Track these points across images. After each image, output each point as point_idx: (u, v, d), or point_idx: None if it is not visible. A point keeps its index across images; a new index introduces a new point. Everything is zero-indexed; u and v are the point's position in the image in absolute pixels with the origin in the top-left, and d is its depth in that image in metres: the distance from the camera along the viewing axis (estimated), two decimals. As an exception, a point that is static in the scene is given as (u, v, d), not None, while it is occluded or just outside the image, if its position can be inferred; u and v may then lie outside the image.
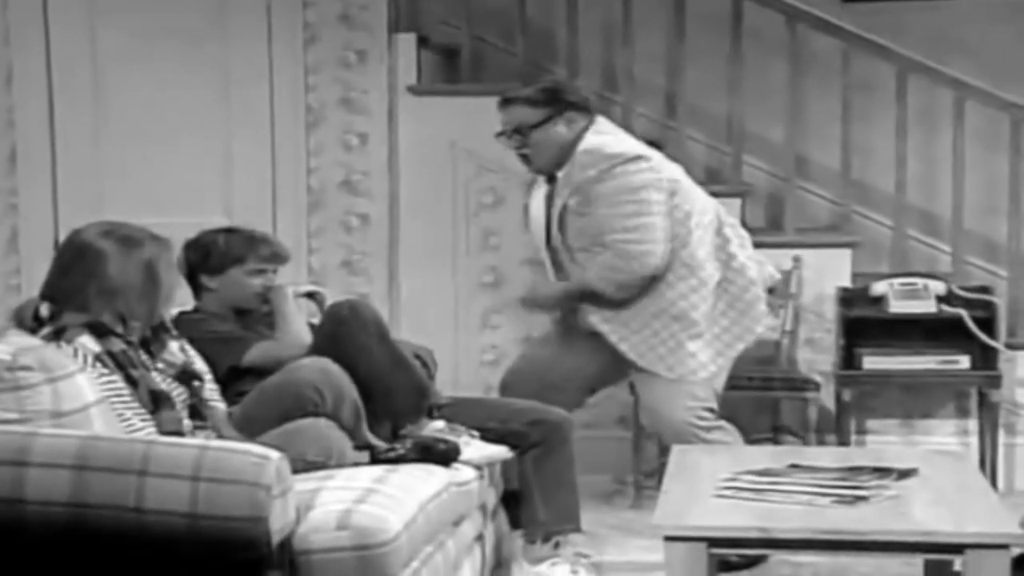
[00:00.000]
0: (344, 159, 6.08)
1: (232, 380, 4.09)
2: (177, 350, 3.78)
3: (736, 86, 6.04)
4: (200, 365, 3.85)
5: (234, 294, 4.39)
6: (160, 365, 3.67)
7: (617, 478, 5.79)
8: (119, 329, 3.57)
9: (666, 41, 6.14)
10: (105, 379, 3.42)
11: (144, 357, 3.63)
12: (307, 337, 4.25)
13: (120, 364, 3.50)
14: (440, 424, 4.06)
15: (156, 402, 3.53)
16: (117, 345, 3.53)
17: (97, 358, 3.45)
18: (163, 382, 3.61)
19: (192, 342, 3.96)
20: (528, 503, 4.39)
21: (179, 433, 3.53)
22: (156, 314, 3.69)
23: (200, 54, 6.03)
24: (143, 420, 3.45)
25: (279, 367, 4.13)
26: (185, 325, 4.12)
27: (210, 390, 3.84)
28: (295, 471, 3.10)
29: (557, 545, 4.31)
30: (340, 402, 3.77)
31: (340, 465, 3.52)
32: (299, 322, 4.36)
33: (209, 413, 3.72)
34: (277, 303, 4.41)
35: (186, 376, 3.71)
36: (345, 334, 4.09)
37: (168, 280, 3.70)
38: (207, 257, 4.38)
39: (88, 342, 3.47)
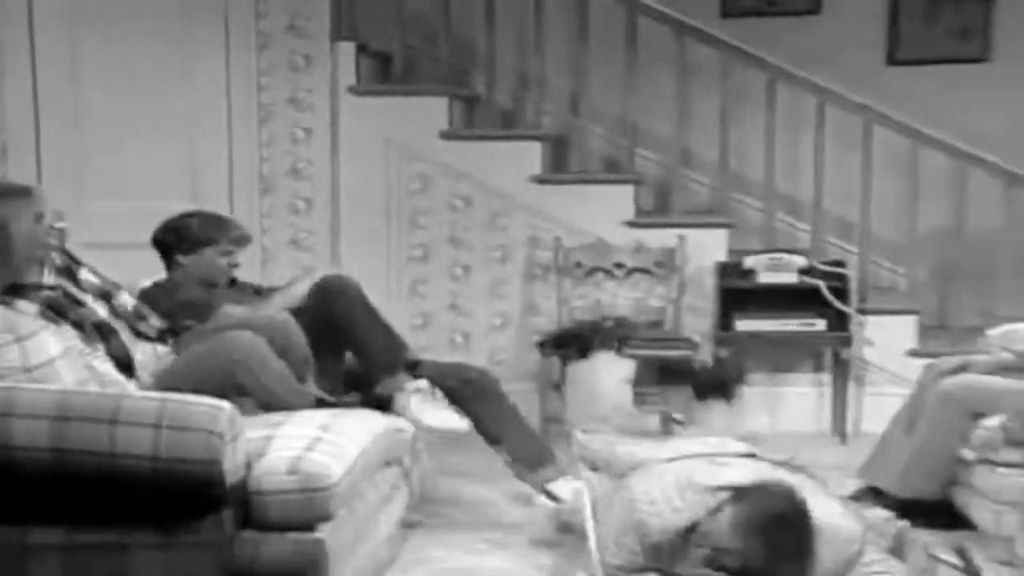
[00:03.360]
0: (292, 150, 6.05)
1: None
2: (89, 274, 3.68)
3: (631, 89, 6.05)
4: (120, 284, 3.80)
5: (204, 271, 4.32)
6: (84, 287, 3.59)
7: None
8: (35, 280, 3.45)
9: (572, 49, 6.14)
10: (61, 329, 3.33)
11: (72, 289, 3.53)
12: (283, 314, 4.12)
13: (59, 312, 3.41)
14: (423, 384, 4.05)
15: (102, 333, 3.47)
16: (45, 295, 3.42)
17: (40, 314, 3.35)
18: (96, 304, 3.53)
19: (162, 308, 3.93)
20: (501, 448, 4.31)
21: (128, 356, 3.49)
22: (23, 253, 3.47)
23: (167, 58, 5.98)
24: (97, 359, 3.40)
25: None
26: (156, 294, 4.10)
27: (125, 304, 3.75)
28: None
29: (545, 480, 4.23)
30: (289, 352, 3.68)
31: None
32: (291, 302, 4.22)
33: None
34: (296, 282, 4.33)
35: (105, 295, 3.63)
36: (333, 300, 4.09)
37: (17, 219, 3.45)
38: (181, 239, 4.31)
39: (23, 304, 3.36)
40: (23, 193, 3.55)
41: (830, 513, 3.23)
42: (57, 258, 3.62)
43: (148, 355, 3.68)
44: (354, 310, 4.08)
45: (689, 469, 3.39)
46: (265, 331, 3.67)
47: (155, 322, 3.82)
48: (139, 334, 3.66)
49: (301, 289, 4.25)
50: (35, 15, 6.00)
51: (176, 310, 3.98)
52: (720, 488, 3.20)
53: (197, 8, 5.98)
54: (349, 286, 4.15)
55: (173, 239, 4.34)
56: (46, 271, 3.57)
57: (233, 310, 4.18)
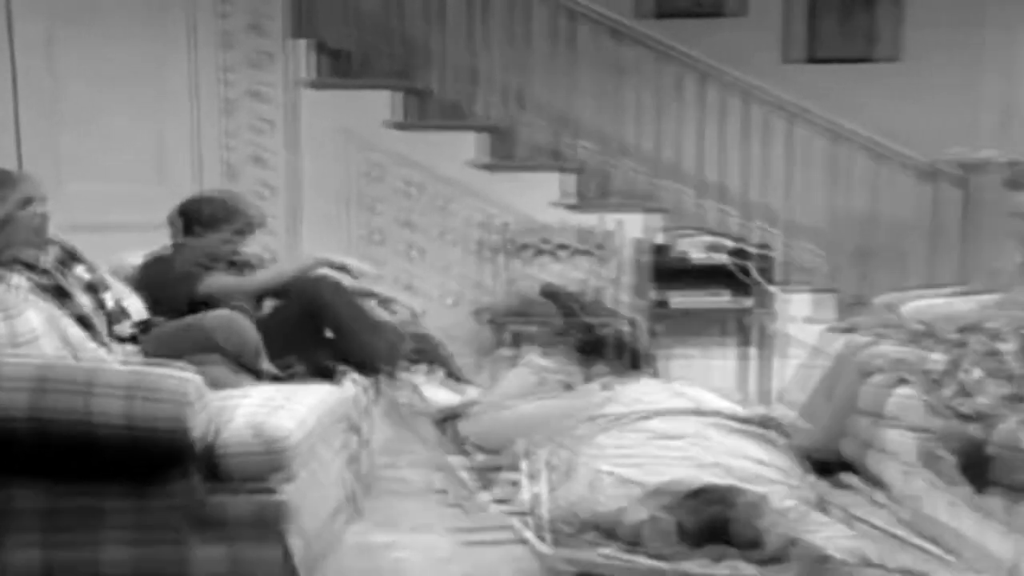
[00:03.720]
0: (255, 140, 6.05)
1: (192, 311, 4.07)
2: (84, 271, 3.68)
3: (571, 84, 6.11)
4: (111, 283, 3.79)
5: (204, 251, 4.32)
6: (73, 279, 3.59)
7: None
8: (34, 261, 3.45)
9: (515, 47, 6.17)
10: (48, 307, 3.32)
11: (63, 282, 3.52)
12: (234, 313, 4.05)
13: (50, 293, 3.43)
14: (423, 368, 4.05)
15: (83, 325, 3.47)
16: (37, 279, 3.42)
17: (31, 290, 3.35)
18: (82, 296, 3.53)
19: (155, 280, 3.98)
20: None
21: (104, 344, 3.51)
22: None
23: (138, 55, 5.97)
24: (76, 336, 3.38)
25: (230, 299, 4.12)
26: (153, 265, 4.13)
27: (114, 300, 3.75)
28: None
29: None
30: (242, 345, 3.72)
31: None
32: (276, 280, 4.27)
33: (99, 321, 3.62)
34: (304, 262, 4.37)
35: (93, 288, 3.64)
36: (320, 299, 4.11)
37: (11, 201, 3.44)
38: (192, 220, 4.33)
39: (17, 278, 3.36)
40: (9, 178, 3.53)
41: (781, 482, 3.32)
42: (51, 251, 3.61)
43: (118, 355, 3.69)
44: (345, 313, 4.10)
45: (657, 456, 3.42)
46: (221, 330, 3.71)
47: (135, 314, 3.81)
48: (112, 334, 3.66)
49: (287, 273, 4.27)
50: (13, 12, 5.97)
51: (167, 282, 4.01)
52: (673, 491, 3.27)
53: (165, 8, 5.97)
54: (336, 290, 4.15)
55: (185, 219, 4.36)
56: (43, 259, 3.55)
57: (220, 279, 4.23)
